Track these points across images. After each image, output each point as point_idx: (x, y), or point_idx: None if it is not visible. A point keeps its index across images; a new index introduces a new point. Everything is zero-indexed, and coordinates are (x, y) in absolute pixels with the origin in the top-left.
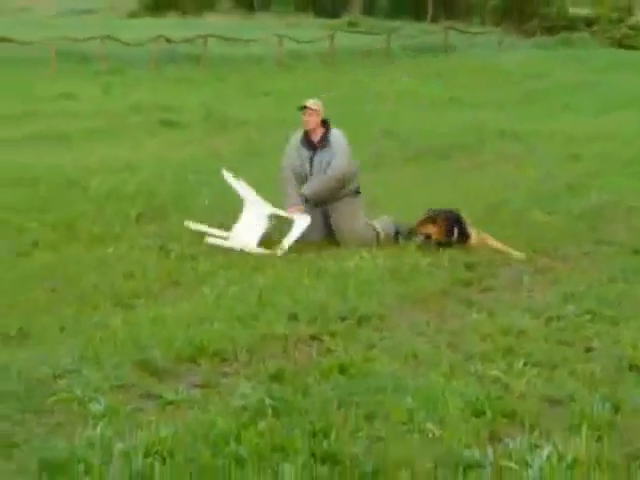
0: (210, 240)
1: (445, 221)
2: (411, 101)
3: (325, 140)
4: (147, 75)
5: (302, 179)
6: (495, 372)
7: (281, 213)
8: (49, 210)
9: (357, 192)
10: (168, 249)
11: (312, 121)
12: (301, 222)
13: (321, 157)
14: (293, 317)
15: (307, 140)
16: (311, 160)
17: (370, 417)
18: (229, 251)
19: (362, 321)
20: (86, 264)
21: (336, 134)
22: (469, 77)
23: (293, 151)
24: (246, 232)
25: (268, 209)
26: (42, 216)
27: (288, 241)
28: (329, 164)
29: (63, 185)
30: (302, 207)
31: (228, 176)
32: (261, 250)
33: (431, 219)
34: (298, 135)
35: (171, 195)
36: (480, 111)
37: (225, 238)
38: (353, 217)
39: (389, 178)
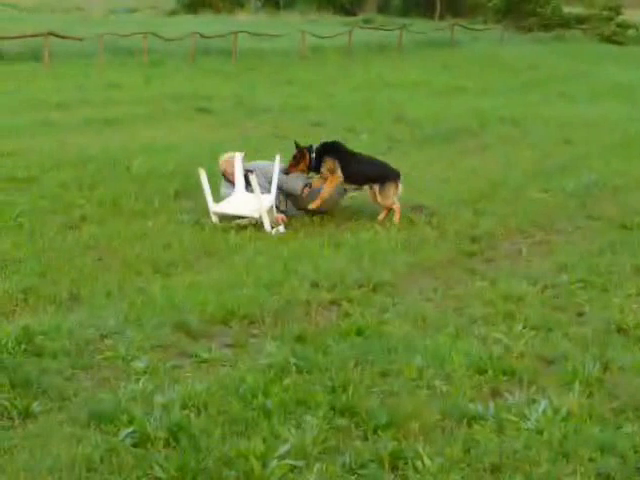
0: (214, 208)
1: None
2: (420, 90)
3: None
4: (184, 67)
5: None
6: (496, 334)
7: (275, 212)
8: (96, 187)
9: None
10: (202, 223)
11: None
12: (281, 229)
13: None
14: (315, 284)
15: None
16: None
17: (384, 374)
18: (257, 226)
19: (376, 288)
20: (129, 236)
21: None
22: (472, 68)
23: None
24: (247, 203)
25: (267, 201)
26: (90, 193)
27: (268, 228)
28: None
29: (109, 165)
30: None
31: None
32: (266, 220)
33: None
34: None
35: (205, 172)
36: (482, 99)
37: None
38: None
39: (401, 159)
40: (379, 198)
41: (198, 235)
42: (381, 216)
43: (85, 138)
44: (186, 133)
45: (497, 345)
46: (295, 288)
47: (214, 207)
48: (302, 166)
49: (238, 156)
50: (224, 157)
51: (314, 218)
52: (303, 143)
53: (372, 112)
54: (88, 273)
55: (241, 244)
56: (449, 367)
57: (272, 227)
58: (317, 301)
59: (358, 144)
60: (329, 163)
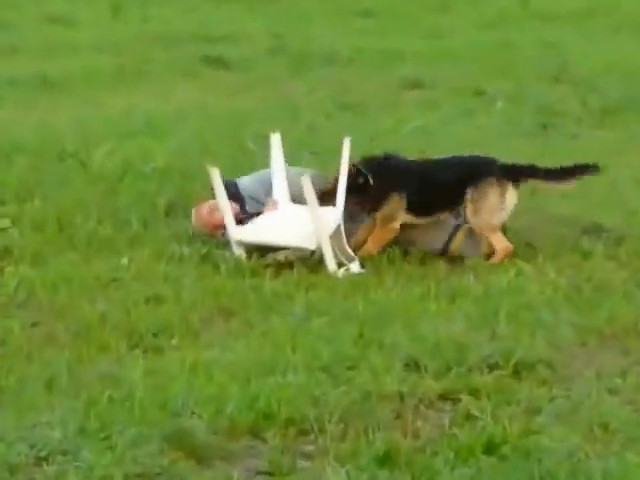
0: (237, 233)
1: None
2: (598, 24)
3: None
4: None
5: None
6: None
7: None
8: (30, 198)
9: None
10: (215, 259)
11: None
12: (354, 268)
13: None
14: (413, 364)
15: None
16: None
17: None
18: (311, 261)
19: (521, 370)
20: (87, 283)
21: None
22: None
23: None
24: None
25: (330, 219)
26: (19, 208)
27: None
28: None
29: (52, 158)
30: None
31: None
32: (329, 253)
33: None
34: None
35: (219, 171)
36: None
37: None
38: None
39: (564, 145)
40: (470, 216)
41: (208, 280)
42: (497, 256)
43: (10, 112)
44: (186, 101)
45: None
46: (378, 371)
47: (238, 232)
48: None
49: (274, 139)
50: (202, 208)
51: (411, 248)
52: (390, 119)
53: (512, 63)
54: (16, 348)
55: (284, 294)
56: None
57: (339, 264)
58: (417, 394)
59: (489, 118)
60: (394, 202)
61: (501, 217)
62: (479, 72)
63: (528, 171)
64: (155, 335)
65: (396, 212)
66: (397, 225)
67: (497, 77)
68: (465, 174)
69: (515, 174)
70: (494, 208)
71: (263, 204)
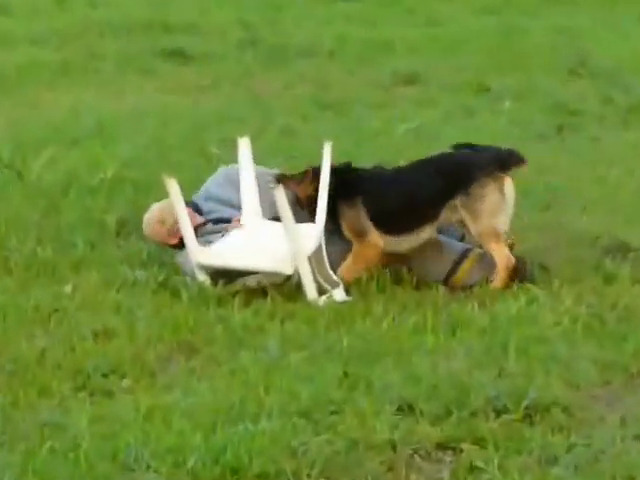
0: (200, 256)
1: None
2: (622, 8)
3: None
4: None
5: None
6: None
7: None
8: None
9: None
10: (175, 286)
11: None
12: (338, 295)
13: None
14: (407, 408)
15: None
16: None
17: None
18: (285, 289)
19: (533, 414)
20: (25, 314)
21: None
22: None
23: None
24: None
25: (310, 237)
26: None
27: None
28: None
29: None
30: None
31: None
32: (308, 277)
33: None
34: None
35: (179, 183)
36: None
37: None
38: None
39: (584, 148)
40: (469, 224)
41: (167, 310)
42: (497, 276)
43: None
44: (141, 101)
45: None
46: (366, 416)
47: (201, 254)
48: (303, 190)
49: (243, 144)
50: (151, 213)
51: (404, 271)
52: (378, 120)
53: (521, 55)
54: None
55: (255, 327)
56: None
57: (320, 291)
58: (411, 442)
59: (494, 119)
60: (348, 215)
61: (505, 218)
62: (482, 65)
63: (517, 157)
64: (104, 375)
65: (361, 221)
66: (374, 239)
67: (503, 70)
68: (445, 176)
69: (507, 162)
70: (496, 208)
71: (238, 207)
